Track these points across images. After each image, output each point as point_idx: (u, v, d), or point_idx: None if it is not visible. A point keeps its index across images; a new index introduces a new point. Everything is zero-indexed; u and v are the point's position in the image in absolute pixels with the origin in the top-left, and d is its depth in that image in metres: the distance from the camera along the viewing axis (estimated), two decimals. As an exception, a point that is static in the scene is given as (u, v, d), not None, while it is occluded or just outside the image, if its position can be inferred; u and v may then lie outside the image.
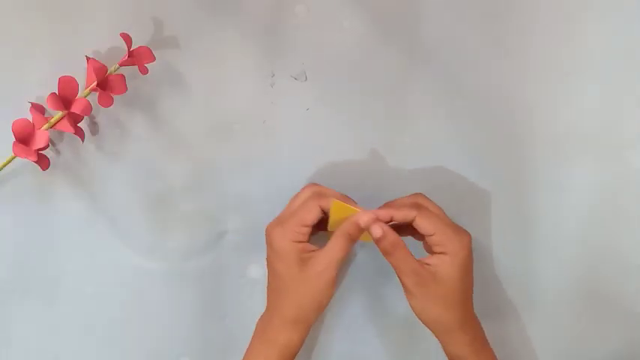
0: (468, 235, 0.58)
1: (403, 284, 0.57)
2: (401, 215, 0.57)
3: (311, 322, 0.58)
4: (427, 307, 0.57)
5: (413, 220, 0.57)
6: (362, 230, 0.56)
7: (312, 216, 0.57)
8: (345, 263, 0.65)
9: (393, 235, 0.56)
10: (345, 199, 0.58)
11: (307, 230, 0.57)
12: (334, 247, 0.57)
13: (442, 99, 0.64)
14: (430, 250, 0.58)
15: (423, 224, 0.56)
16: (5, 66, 0.62)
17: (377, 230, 0.55)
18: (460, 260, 0.56)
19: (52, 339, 0.65)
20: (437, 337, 0.58)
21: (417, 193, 0.60)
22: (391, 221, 0.57)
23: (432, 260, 0.56)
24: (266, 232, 0.58)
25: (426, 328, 0.58)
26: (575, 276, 0.65)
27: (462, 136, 0.64)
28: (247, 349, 0.59)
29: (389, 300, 0.65)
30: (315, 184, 0.60)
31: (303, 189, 0.60)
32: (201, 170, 0.64)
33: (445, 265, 0.56)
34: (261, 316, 0.60)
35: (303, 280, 0.57)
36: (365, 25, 0.63)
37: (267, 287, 0.59)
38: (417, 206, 0.57)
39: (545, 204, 0.64)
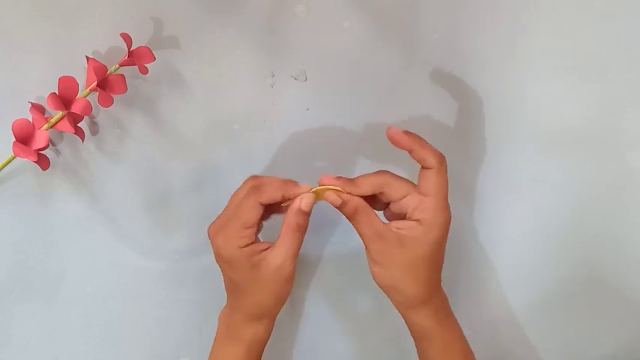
0: (450, 218, 0.54)
1: (367, 249, 0.54)
2: (419, 154, 0.54)
3: (275, 314, 0.57)
4: (390, 274, 0.54)
5: (425, 166, 0.53)
6: (307, 215, 0.54)
7: (253, 216, 0.54)
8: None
9: (354, 200, 0.53)
10: (287, 183, 0.55)
11: (251, 231, 0.54)
12: (285, 242, 0.54)
13: (442, 99, 0.64)
14: (402, 215, 0.55)
15: (432, 179, 0.53)
16: (5, 66, 0.62)
17: (334, 198, 0.53)
18: (434, 235, 0.53)
19: (52, 339, 0.65)
20: (397, 307, 0.56)
21: (439, 153, 0.55)
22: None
23: (405, 225, 0.53)
24: (209, 235, 0.55)
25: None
26: (575, 272, 0.65)
27: (462, 136, 0.64)
28: (213, 345, 0.58)
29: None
30: (253, 177, 0.56)
31: (241, 184, 0.56)
32: (201, 170, 0.64)
33: (417, 234, 0.53)
34: (223, 309, 0.58)
35: (258, 281, 0.54)
36: (365, 25, 0.63)
37: (224, 283, 0.57)
38: (439, 160, 0.54)
39: (546, 203, 0.64)
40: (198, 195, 0.64)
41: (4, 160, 0.61)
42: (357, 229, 0.54)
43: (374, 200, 0.56)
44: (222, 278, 0.57)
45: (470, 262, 0.65)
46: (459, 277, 0.65)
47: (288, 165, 0.64)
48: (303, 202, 0.53)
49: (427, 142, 0.55)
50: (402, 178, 0.55)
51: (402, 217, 0.55)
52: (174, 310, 0.66)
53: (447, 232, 0.54)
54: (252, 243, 0.54)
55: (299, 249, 0.55)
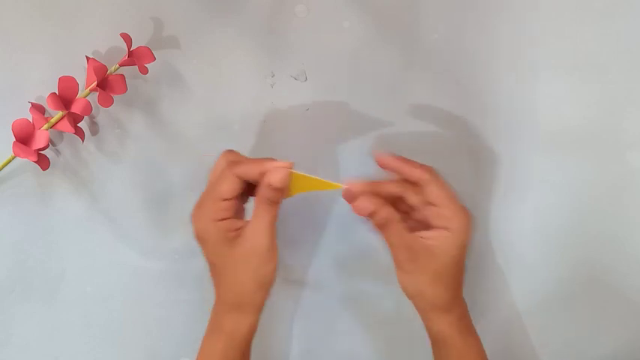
0: (471, 216, 0.54)
1: (395, 258, 0.54)
2: (409, 173, 0.54)
3: (257, 303, 0.54)
4: (415, 281, 0.54)
5: (422, 183, 0.53)
6: (280, 191, 0.51)
7: (229, 187, 0.52)
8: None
9: (384, 211, 0.52)
10: (264, 159, 0.53)
11: (228, 205, 0.52)
12: (257, 215, 0.52)
13: (442, 99, 0.64)
14: (426, 223, 0.54)
15: (435, 191, 0.53)
16: (5, 66, 0.62)
17: (366, 205, 0.52)
18: (461, 240, 0.53)
19: (52, 339, 0.65)
20: (420, 313, 0.56)
21: (427, 166, 0.55)
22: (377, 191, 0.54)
23: (431, 234, 0.53)
24: (191, 215, 0.54)
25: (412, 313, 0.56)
26: (575, 272, 0.65)
27: (462, 136, 0.64)
28: (202, 340, 0.56)
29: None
30: (229, 151, 0.54)
31: (217, 160, 0.54)
32: (202, 170, 0.64)
33: (445, 241, 0.53)
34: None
35: (235, 260, 0.52)
36: (365, 25, 0.63)
37: (209, 272, 0.56)
38: (430, 171, 0.54)
39: (546, 203, 0.64)
40: (198, 195, 0.64)
41: (4, 160, 0.61)
42: (386, 239, 0.54)
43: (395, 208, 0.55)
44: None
45: (470, 262, 0.65)
46: (459, 277, 0.65)
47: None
48: (273, 177, 0.51)
49: (412, 160, 0.55)
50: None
51: (425, 226, 0.55)
52: (174, 310, 0.66)
53: (471, 233, 0.55)
54: (229, 219, 0.52)
55: (273, 223, 0.52)
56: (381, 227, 0.53)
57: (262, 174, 0.52)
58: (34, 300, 0.65)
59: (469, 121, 0.64)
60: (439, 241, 0.53)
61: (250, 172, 0.52)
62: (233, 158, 0.53)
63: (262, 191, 0.52)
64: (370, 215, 0.53)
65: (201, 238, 0.53)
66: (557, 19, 0.63)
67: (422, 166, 0.54)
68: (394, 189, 0.55)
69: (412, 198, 0.55)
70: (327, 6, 0.62)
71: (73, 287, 0.65)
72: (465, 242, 0.54)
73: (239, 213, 0.55)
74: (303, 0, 0.62)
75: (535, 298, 0.66)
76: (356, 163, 0.64)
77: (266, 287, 0.54)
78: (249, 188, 0.54)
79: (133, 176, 0.64)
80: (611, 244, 0.65)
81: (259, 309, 0.55)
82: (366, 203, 0.53)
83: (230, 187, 0.52)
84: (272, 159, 0.53)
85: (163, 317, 0.66)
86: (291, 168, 0.52)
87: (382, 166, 0.55)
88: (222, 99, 0.63)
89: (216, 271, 0.54)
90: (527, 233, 0.65)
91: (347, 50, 0.63)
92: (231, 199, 0.52)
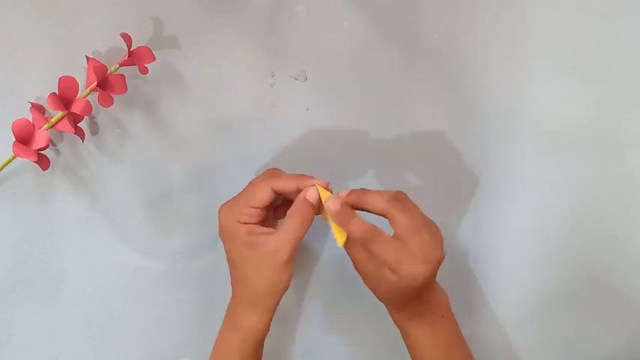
0: (431, 261, 0.52)
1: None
2: (373, 204, 0.54)
3: (269, 306, 0.56)
4: (373, 290, 0.56)
5: (386, 213, 0.53)
6: (312, 207, 0.54)
7: (261, 196, 0.54)
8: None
9: (353, 227, 0.53)
10: (302, 175, 0.56)
11: (255, 212, 0.55)
12: (285, 228, 0.54)
13: (442, 98, 0.64)
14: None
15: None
16: (5, 66, 0.62)
17: (334, 205, 0.54)
18: (406, 284, 0.53)
19: (52, 339, 0.65)
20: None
21: (398, 191, 0.55)
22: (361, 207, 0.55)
23: (383, 268, 0.53)
24: (219, 211, 0.57)
25: None
26: (575, 272, 0.65)
27: (462, 136, 0.64)
28: (217, 335, 0.59)
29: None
30: (273, 169, 0.57)
31: (260, 174, 0.57)
32: (201, 170, 0.64)
33: (389, 280, 0.53)
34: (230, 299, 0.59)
35: (253, 261, 0.54)
36: (365, 25, 0.63)
37: (229, 269, 0.58)
38: (394, 197, 0.54)
39: (546, 203, 0.64)
40: (198, 195, 0.64)
41: (4, 160, 0.61)
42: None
43: None
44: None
45: (470, 262, 0.65)
46: (458, 277, 0.65)
47: (288, 165, 0.64)
48: (308, 192, 0.55)
49: (372, 191, 0.55)
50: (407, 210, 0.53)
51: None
52: (174, 310, 0.66)
53: (423, 285, 0.53)
54: (253, 224, 0.55)
55: (300, 239, 0.55)
56: (353, 261, 0.56)
57: (298, 190, 0.55)
58: (34, 300, 0.65)
59: (469, 121, 0.64)
60: (385, 277, 0.53)
61: (287, 186, 0.55)
62: (274, 171, 0.57)
63: (297, 204, 0.55)
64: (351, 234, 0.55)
65: (225, 236, 0.56)
66: (557, 19, 0.63)
67: (379, 196, 0.54)
68: (372, 206, 0.54)
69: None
70: (327, 6, 0.62)
71: (73, 287, 0.65)
72: (411, 286, 0.52)
73: (267, 221, 0.58)
74: (303, 0, 0.62)
75: (535, 298, 0.66)
76: (356, 163, 0.64)
77: (278, 293, 0.56)
78: (284, 204, 0.58)
79: (133, 176, 0.64)
80: (611, 244, 0.65)
81: (270, 312, 0.57)
82: (334, 205, 0.54)
83: (261, 196, 0.55)
84: (309, 176, 0.56)
85: (163, 317, 0.66)
86: (326, 187, 0.55)
87: (349, 204, 0.55)
88: (222, 99, 0.63)
89: (235, 268, 0.57)
90: (527, 233, 0.65)
91: (347, 50, 0.63)
92: (259, 207, 0.55)
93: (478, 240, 0.65)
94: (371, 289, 0.57)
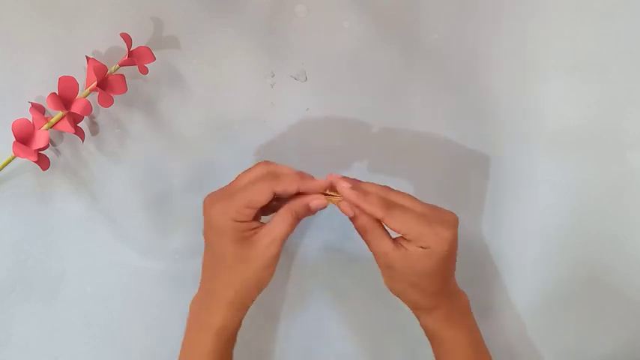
0: (450, 226, 0.53)
1: (376, 262, 0.55)
2: (370, 210, 0.53)
3: (249, 304, 0.56)
4: (394, 286, 0.56)
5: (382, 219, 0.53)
6: (310, 212, 0.54)
7: (263, 199, 0.53)
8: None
9: (363, 219, 0.54)
10: (304, 177, 0.55)
11: (252, 212, 0.53)
12: (279, 224, 0.53)
13: (442, 98, 0.64)
14: None
15: (393, 225, 0.53)
16: (5, 66, 0.62)
17: (347, 210, 0.54)
18: (438, 255, 0.53)
19: (52, 339, 0.65)
20: (410, 309, 0.57)
21: (384, 186, 0.56)
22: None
23: (411, 247, 0.53)
24: (204, 204, 0.55)
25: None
26: (575, 272, 0.65)
27: (462, 135, 0.64)
28: (184, 336, 0.57)
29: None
30: (268, 163, 0.56)
31: (255, 166, 0.55)
32: (202, 170, 0.64)
33: (420, 256, 0.53)
34: (194, 297, 0.58)
35: (243, 258, 0.53)
36: (365, 25, 0.63)
37: (203, 265, 0.57)
38: (386, 203, 0.53)
39: (546, 203, 0.64)
40: (198, 195, 0.64)
41: (4, 160, 0.61)
42: (366, 243, 0.55)
43: None
44: (202, 259, 0.57)
45: (469, 262, 0.65)
46: (459, 277, 0.65)
47: (288, 165, 0.64)
48: (314, 202, 0.54)
49: (367, 187, 0.55)
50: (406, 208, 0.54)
51: None
52: (174, 310, 0.65)
53: (452, 241, 0.53)
54: (248, 221, 0.54)
55: (288, 235, 0.54)
56: (361, 232, 0.55)
57: (300, 190, 0.54)
58: (34, 300, 0.65)
59: (469, 121, 0.64)
60: (415, 255, 0.53)
61: (289, 189, 0.54)
62: (273, 169, 0.55)
63: (295, 206, 0.54)
64: (351, 219, 0.55)
65: (217, 231, 0.54)
66: (557, 19, 0.63)
67: (376, 205, 0.53)
68: (369, 212, 0.54)
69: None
70: (327, 6, 0.62)
71: (73, 287, 0.65)
72: (442, 255, 0.53)
73: (256, 216, 0.56)
74: (303, 0, 0.62)
75: (535, 298, 0.66)
76: (356, 163, 0.64)
77: (260, 289, 0.55)
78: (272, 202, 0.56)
79: (133, 176, 0.64)
80: (611, 244, 0.65)
81: (247, 309, 0.56)
82: (347, 208, 0.54)
83: (263, 198, 0.53)
84: (309, 175, 0.55)
85: (163, 317, 0.66)
86: (328, 187, 0.55)
87: (347, 213, 0.55)
88: (222, 99, 0.63)
89: (219, 265, 0.55)
90: (527, 233, 0.65)
91: (347, 50, 0.63)
92: (258, 208, 0.54)
93: (478, 240, 0.65)
94: (398, 284, 0.55)
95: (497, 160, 0.64)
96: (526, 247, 0.65)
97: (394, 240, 0.54)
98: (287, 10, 0.62)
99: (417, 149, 0.64)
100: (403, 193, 0.55)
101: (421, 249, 0.53)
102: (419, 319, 0.57)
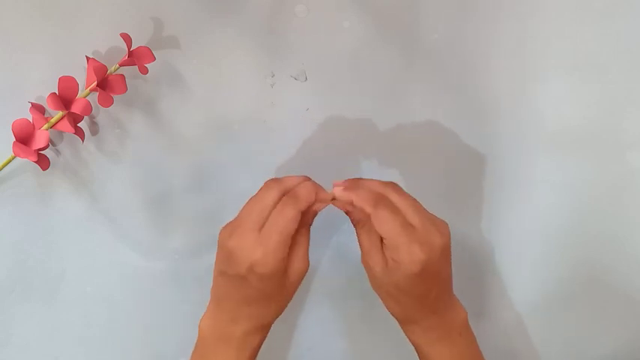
0: (430, 249, 0.51)
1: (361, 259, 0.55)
2: (359, 204, 0.52)
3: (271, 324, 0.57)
4: (376, 290, 0.55)
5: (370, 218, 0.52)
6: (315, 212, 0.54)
7: (295, 226, 0.51)
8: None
9: (355, 213, 0.54)
10: (318, 188, 0.53)
11: (289, 244, 0.51)
12: (302, 242, 0.53)
13: (442, 99, 0.64)
14: None
15: (375, 224, 0.51)
16: (5, 66, 0.62)
17: (340, 205, 0.54)
18: (407, 273, 0.51)
19: (52, 339, 0.65)
20: None
21: (388, 183, 0.54)
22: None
23: (387, 254, 0.52)
24: (225, 239, 0.52)
25: None
26: (575, 272, 0.65)
27: (462, 135, 0.64)
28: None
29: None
30: (278, 181, 0.53)
31: (265, 190, 0.53)
32: (201, 170, 0.64)
33: (392, 268, 0.52)
34: (208, 320, 0.56)
35: (284, 288, 0.53)
36: (365, 25, 0.63)
37: (225, 297, 0.55)
38: (378, 200, 0.52)
39: (546, 203, 0.64)
40: (198, 195, 0.64)
41: (4, 160, 0.61)
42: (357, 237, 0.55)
43: None
44: (221, 291, 0.55)
45: (470, 263, 0.65)
46: (458, 278, 0.65)
47: (288, 165, 0.64)
48: (319, 206, 0.54)
49: (365, 184, 0.54)
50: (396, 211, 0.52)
51: None
52: (175, 310, 0.66)
53: (421, 274, 0.51)
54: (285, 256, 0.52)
55: None
56: (355, 224, 0.55)
57: (317, 200, 0.53)
58: (34, 300, 0.65)
59: (469, 121, 0.64)
60: (389, 263, 0.52)
61: (310, 201, 0.52)
62: (287, 188, 0.52)
63: (309, 218, 0.54)
64: (347, 212, 0.54)
65: (261, 278, 0.51)
66: (557, 19, 0.63)
67: (368, 199, 0.52)
68: (359, 207, 0.53)
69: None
70: (327, 6, 0.62)
71: (73, 287, 0.65)
72: (410, 274, 0.51)
73: None
74: (303, 0, 0.62)
75: (535, 298, 0.66)
76: (356, 164, 0.64)
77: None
78: None
79: (133, 176, 0.64)
80: (611, 244, 0.65)
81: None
82: (339, 203, 0.54)
83: (295, 226, 0.51)
84: (319, 186, 0.54)
85: (163, 317, 0.66)
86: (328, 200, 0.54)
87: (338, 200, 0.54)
88: (222, 99, 0.63)
89: (258, 300, 0.53)
90: (528, 233, 0.65)
91: (347, 50, 0.63)
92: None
93: (477, 240, 0.65)
94: (377, 289, 0.55)
95: (497, 160, 0.64)
96: (526, 247, 0.65)
97: (383, 243, 0.53)
98: (287, 10, 0.62)
99: (417, 149, 0.64)
100: (406, 196, 0.53)
101: (393, 261, 0.51)
102: (402, 329, 0.57)
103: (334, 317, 0.66)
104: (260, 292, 0.53)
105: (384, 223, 0.51)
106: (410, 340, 0.57)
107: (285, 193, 0.52)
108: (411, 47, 0.63)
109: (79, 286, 0.65)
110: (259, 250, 0.50)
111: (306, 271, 0.54)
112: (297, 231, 0.52)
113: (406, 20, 0.63)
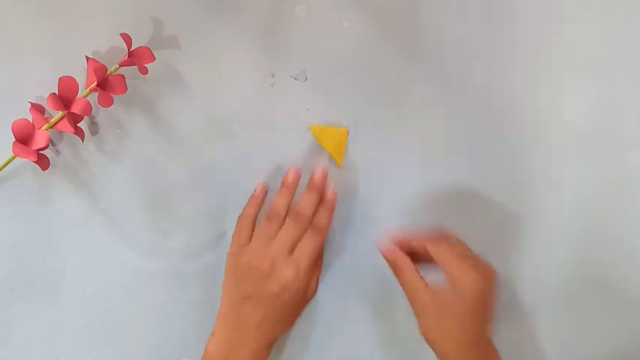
0: (485, 278, 0.56)
1: (410, 304, 0.58)
2: (415, 241, 0.59)
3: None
4: (430, 334, 0.57)
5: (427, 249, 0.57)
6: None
7: (321, 253, 0.62)
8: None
9: (393, 255, 0.58)
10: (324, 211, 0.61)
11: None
12: (319, 265, 0.62)
13: (442, 99, 0.64)
14: None
15: (434, 252, 0.57)
16: (5, 66, 0.62)
17: (383, 247, 0.59)
18: (469, 297, 0.55)
19: (52, 339, 0.65)
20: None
21: (431, 237, 0.59)
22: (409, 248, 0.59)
23: (444, 285, 0.56)
24: (273, 270, 0.58)
25: None
26: (575, 272, 0.65)
27: (461, 135, 0.64)
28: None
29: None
30: (270, 217, 0.60)
31: (267, 221, 0.60)
32: (201, 170, 0.64)
33: (451, 296, 0.55)
34: (222, 347, 0.58)
35: (303, 302, 0.61)
36: (365, 25, 0.63)
37: (245, 321, 0.58)
38: (433, 238, 0.58)
39: (545, 201, 0.64)
40: (198, 195, 0.64)
41: (4, 160, 0.61)
42: (400, 283, 0.58)
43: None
44: (243, 316, 0.58)
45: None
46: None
47: (288, 165, 0.64)
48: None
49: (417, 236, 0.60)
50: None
51: None
52: (175, 310, 0.66)
53: (485, 289, 0.56)
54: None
55: None
56: (393, 270, 0.58)
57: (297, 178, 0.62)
58: (34, 300, 0.65)
59: (469, 122, 0.64)
60: (447, 293, 0.55)
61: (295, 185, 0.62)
62: (275, 217, 0.60)
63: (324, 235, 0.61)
64: (384, 258, 0.59)
65: (293, 284, 0.58)
66: (558, 20, 0.63)
67: (426, 241, 0.58)
68: (416, 244, 0.59)
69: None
70: (327, 6, 0.62)
71: (73, 287, 0.65)
72: (473, 297, 0.55)
73: None
74: (303, 0, 0.62)
75: (535, 298, 0.66)
76: (356, 164, 0.64)
77: None
78: None
79: (133, 176, 0.64)
80: (611, 244, 0.65)
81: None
82: (383, 248, 0.59)
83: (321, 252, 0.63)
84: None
85: (163, 317, 0.66)
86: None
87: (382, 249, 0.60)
88: (222, 99, 0.63)
89: (287, 317, 0.60)
90: (528, 233, 0.65)
91: (347, 50, 0.63)
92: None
93: (477, 241, 0.65)
94: (432, 332, 0.56)
95: (496, 160, 0.64)
96: (526, 246, 0.65)
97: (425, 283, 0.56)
98: (287, 10, 0.62)
99: (416, 149, 0.64)
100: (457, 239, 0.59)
101: (453, 289, 0.55)
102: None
103: (335, 317, 0.66)
104: (286, 308, 0.59)
105: (442, 253, 0.56)
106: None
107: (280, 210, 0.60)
108: (411, 47, 0.63)
109: (79, 286, 0.65)
110: (314, 281, 0.61)
111: (316, 283, 0.62)
112: (310, 236, 0.59)
113: (406, 20, 0.63)
